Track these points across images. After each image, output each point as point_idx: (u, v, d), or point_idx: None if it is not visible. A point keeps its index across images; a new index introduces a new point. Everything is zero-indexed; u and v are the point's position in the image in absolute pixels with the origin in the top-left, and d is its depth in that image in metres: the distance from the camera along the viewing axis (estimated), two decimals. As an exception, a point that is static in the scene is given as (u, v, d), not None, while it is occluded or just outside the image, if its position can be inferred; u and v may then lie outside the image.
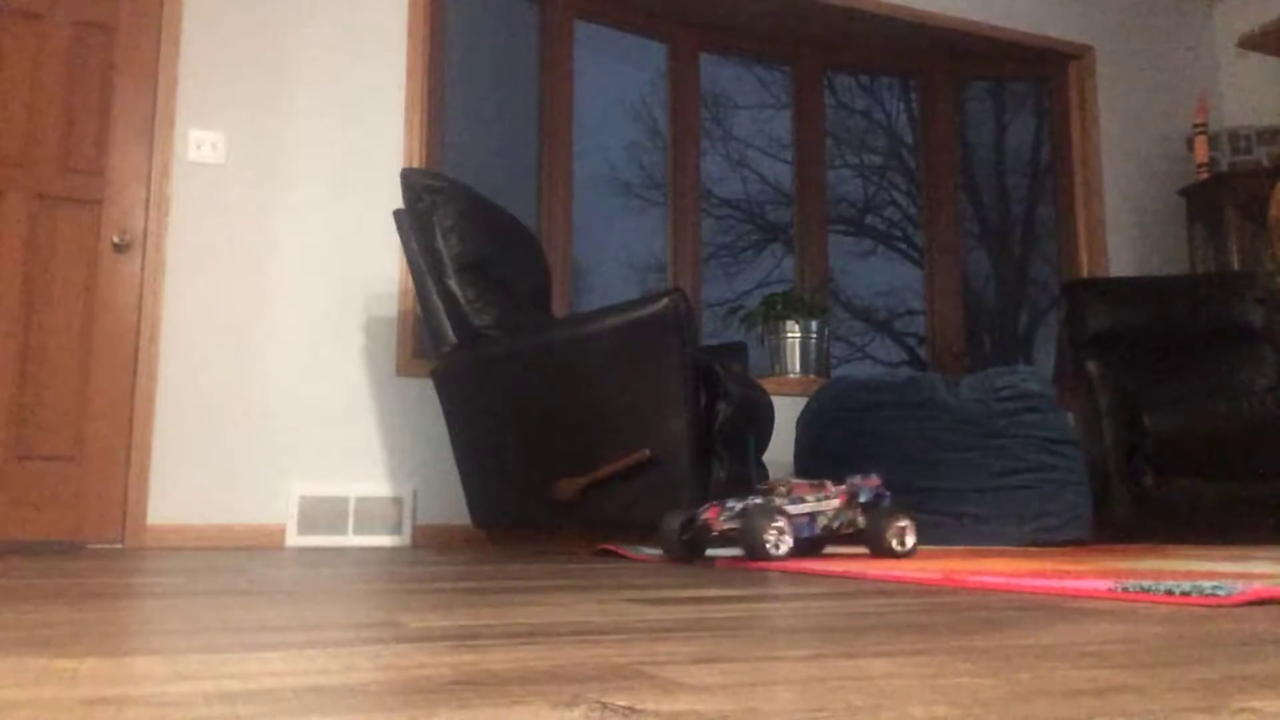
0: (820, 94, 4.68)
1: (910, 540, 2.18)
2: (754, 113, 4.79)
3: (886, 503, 2.27)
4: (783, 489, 2.18)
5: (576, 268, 4.17)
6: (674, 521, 2.22)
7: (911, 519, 2.19)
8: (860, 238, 5.00)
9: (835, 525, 2.19)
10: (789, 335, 4.11)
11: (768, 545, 2.02)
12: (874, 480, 2.28)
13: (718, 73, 4.62)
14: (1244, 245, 4.31)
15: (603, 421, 2.75)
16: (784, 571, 1.92)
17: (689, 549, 2.23)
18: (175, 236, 3.27)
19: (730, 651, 0.82)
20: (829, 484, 2.24)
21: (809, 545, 2.26)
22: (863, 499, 2.24)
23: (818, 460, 3.54)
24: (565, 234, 4.05)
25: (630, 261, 4.52)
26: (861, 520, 2.22)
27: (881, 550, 2.17)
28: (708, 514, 2.18)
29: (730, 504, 2.16)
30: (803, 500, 2.15)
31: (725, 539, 2.15)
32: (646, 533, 2.92)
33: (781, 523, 2.05)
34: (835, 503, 2.19)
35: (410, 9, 3.63)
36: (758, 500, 2.15)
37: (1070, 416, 3.43)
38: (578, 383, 2.80)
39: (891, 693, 0.63)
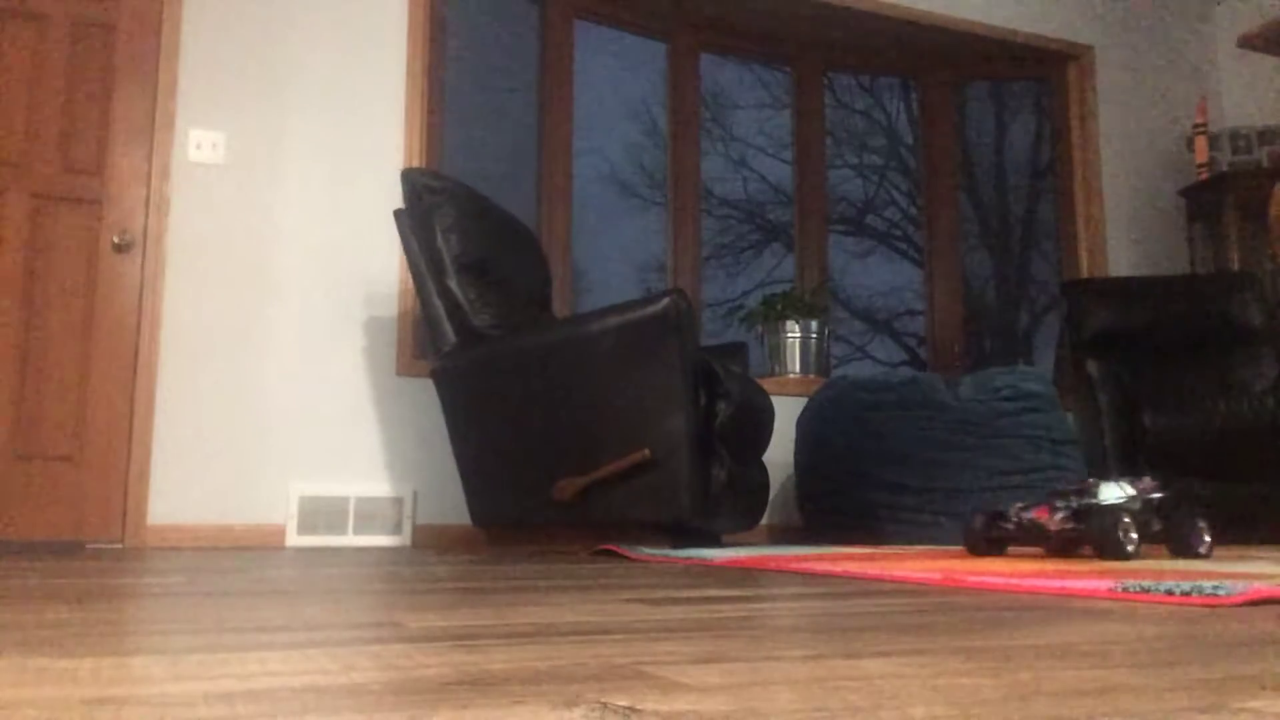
0: (820, 94, 4.68)
1: (1207, 540, 2.19)
2: (754, 113, 4.79)
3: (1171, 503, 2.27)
4: (1095, 488, 2.20)
5: (576, 268, 4.17)
6: (979, 520, 2.30)
7: (1207, 520, 2.21)
8: (860, 238, 5.00)
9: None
10: (789, 335, 4.11)
11: (1126, 546, 2.02)
12: (1150, 482, 2.28)
13: (718, 73, 4.62)
14: (1244, 245, 4.31)
15: (603, 421, 2.75)
16: (784, 571, 1.92)
17: (992, 545, 2.30)
18: (175, 236, 3.27)
19: (730, 651, 0.82)
20: (1128, 482, 2.24)
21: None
22: (1157, 499, 2.23)
23: (818, 461, 3.54)
24: (565, 234, 4.05)
25: (630, 261, 4.52)
26: (1156, 522, 2.20)
27: (1185, 551, 2.18)
28: (1036, 514, 2.19)
29: (1061, 504, 2.17)
30: (1127, 495, 2.18)
31: (1062, 540, 2.16)
32: (646, 533, 2.92)
33: (1128, 520, 2.03)
34: (1138, 503, 2.19)
35: (410, 9, 3.63)
36: (1093, 500, 2.16)
37: (1070, 416, 3.43)
38: (578, 383, 2.80)
39: (891, 693, 0.63)
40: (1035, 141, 5.08)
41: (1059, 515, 2.14)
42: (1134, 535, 2.02)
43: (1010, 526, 2.23)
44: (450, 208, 3.04)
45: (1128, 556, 2.01)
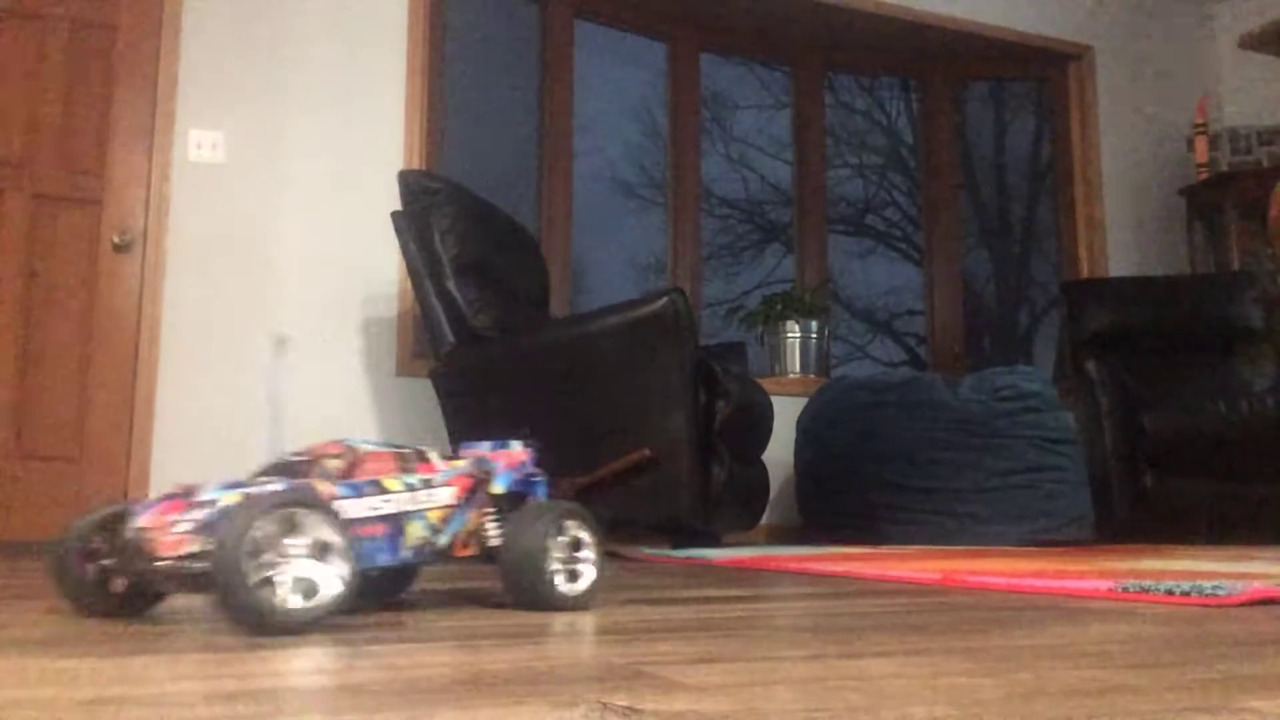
0: (820, 94, 4.67)
1: (585, 575, 1.20)
2: (754, 113, 4.79)
3: (541, 494, 1.29)
4: (334, 461, 1.11)
5: (576, 268, 4.17)
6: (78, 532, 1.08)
7: (589, 532, 1.22)
8: (860, 238, 5.00)
9: (447, 541, 1.16)
10: (789, 335, 4.11)
11: (272, 598, 0.93)
12: (518, 453, 1.29)
13: (718, 73, 4.62)
14: (1244, 245, 4.31)
15: (602, 421, 2.75)
16: (784, 571, 1.92)
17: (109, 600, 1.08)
18: (175, 236, 3.27)
19: (730, 651, 0.82)
20: (435, 457, 1.21)
21: (390, 581, 1.26)
22: (498, 488, 1.24)
23: (818, 461, 3.54)
24: (565, 234, 4.05)
25: (630, 261, 4.52)
26: (494, 531, 1.21)
27: (518, 597, 1.17)
28: (156, 518, 1.00)
29: (216, 494, 1.00)
30: (378, 489, 1.10)
31: (175, 577, 0.99)
32: (646, 533, 2.92)
33: (327, 531, 0.97)
34: (445, 496, 1.17)
35: (410, 9, 3.63)
36: (275, 484, 1.03)
37: (1070, 416, 3.43)
38: (577, 383, 2.80)
39: (891, 693, 0.63)
40: (1035, 141, 5.08)
41: (182, 524, 0.98)
42: (334, 573, 0.97)
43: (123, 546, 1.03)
44: (448, 209, 3.04)
45: (272, 623, 0.93)
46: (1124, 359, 3.79)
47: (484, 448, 1.28)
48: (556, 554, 1.17)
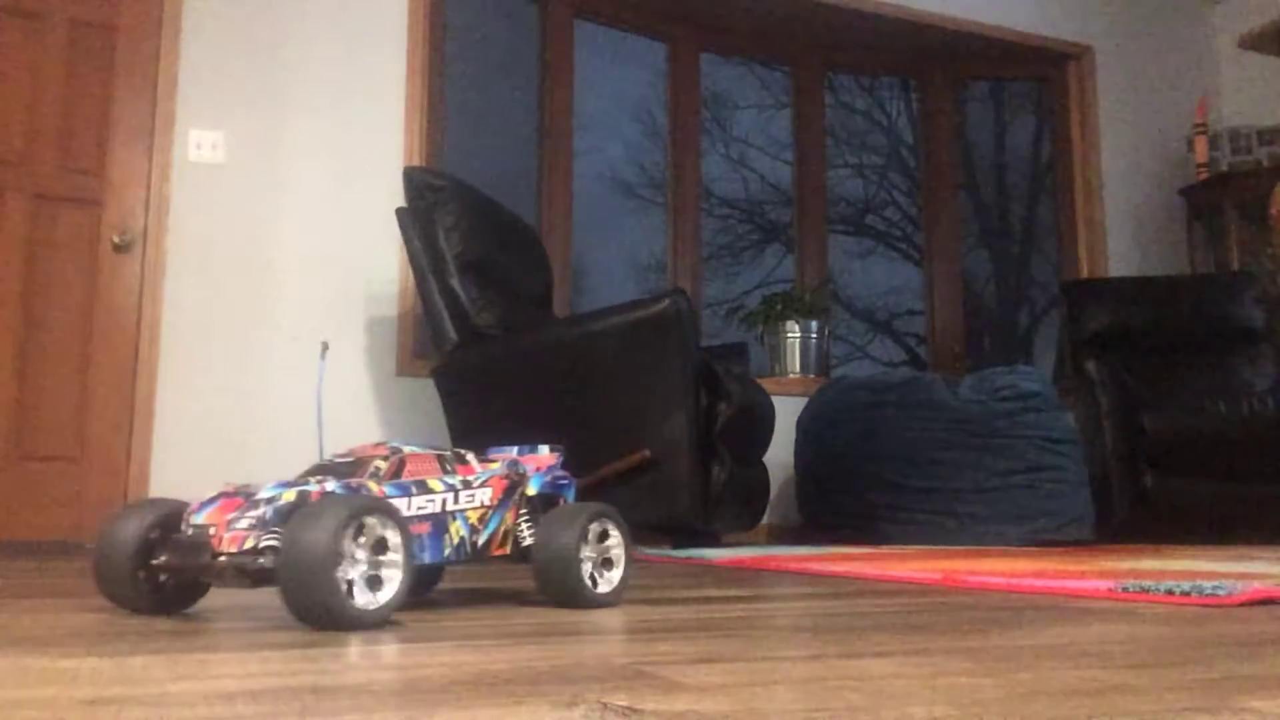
0: (820, 94, 4.67)
1: (615, 575, 1.25)
2: (754, 113, 4.79)
3: (570, 496, 1.33)
4: (379, 463, 1.15)
5: (576, 268, 4.17)
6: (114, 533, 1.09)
7: (619, 533, 1.27)
8: (860, 238, 5.00)
9: (484, 540, 1.21)
10: (789, 335, 4.11)
11: (342, 596, 0.95)
12: (547, 457, 1.34)
13: (718, 73, 4.62)
14: (1244, 245, 4.31)
15: (603, 422, 2.75)
16: (784, 571, 1.92)
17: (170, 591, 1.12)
18: (175, 236, 3.27)
19: (730, 651, 0.82)
20: (473, 460, 1.26)
21: (421, 580, 1.29)
22: (531, 490, 1.29)
23: (818, 461, 3.54)
24: (565, 234, 4.05)
25: (630, 261, 4.52)
26: (528, 531, 1.25)
27: (551, 594, 1.21)
28: (216, 515, 1.05)
29: (268, 492, 1.05)
30: (424, 489, 1.15)
31: (235, 572, 1.01)
32: (646, 533, 2.92)
33: (390, 531, 1.01)
34: (484, 497, 1.22)
35: (410, 9, 3.63)
36: (330, 483, 1.08)
37: (1070, 416, 3.43)
38: (579, 382, 2.80)
39: (891, 693, 0.63)
40: (1035, 141, 5.08)
41: (246, 521, 1.02)
42: (394, 572, 1.01)
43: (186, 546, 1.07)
44: (453, 206, 3.04)
45: (340, 620, 0.96)
46: (1124, 359, 3.79)
47: (513, 451, 1.34)
48: (587, 553, 1.21)
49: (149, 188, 3.26)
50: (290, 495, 1.03)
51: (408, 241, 3.08)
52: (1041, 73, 4.82)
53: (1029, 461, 3.18)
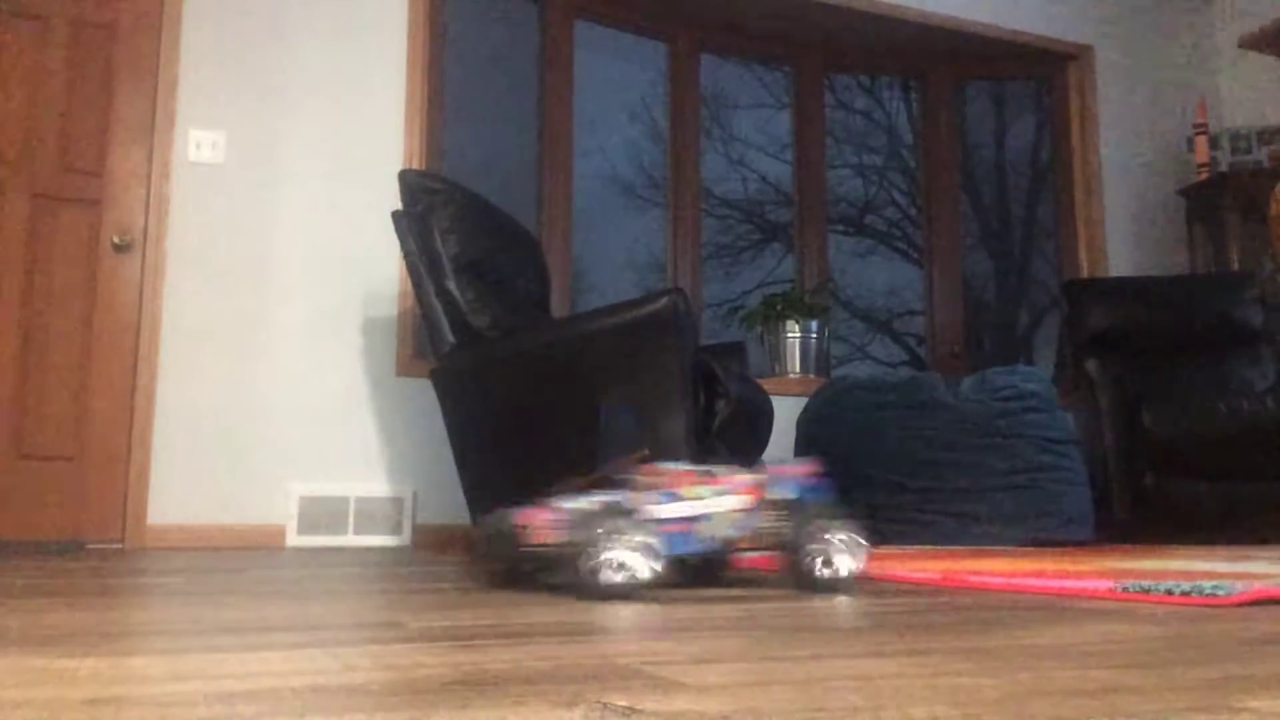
0: (820, 94, 4.67)
1: (845, 563, 1.49)
2: (754, 113, 4.79)
3: (819, 500, 1.57)
4: (650, 478, 1.50)
5: (576, 268, 4.17)
6: (490, 528, 1.59)
7: (854, 530, 1.51)
8: (860, 238, 5.00)
9: (736, 535, 1.50)
10: (789, 335, 4.11)
11: (604, 571, 1.33)
12: (802, 467, 1.59)
13: (718, 73, 4.62)
14: (1244, 245, 4.31)
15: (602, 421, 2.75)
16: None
17: (505, 568, 1.60)
18: (175, 236, 3.27)
19: (730, 651, 0.82)
20: (726, 471, 1.55)
21: (691, 566, 1.58)
22: (783, 496, 1.54)
23: (818, 461, 3.53)
24: (565, 234, 4.05)
25: (630, 261, 4.52)
26: (778, 528, 1.52)
27: (799, 576, 1.49)
28: (529, 517, 1.49)
29: (568, 503, 1.47)
30: (679, 497, 1.47)
31: (544, 558, 1.47)
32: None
33: (638, 534, 1.37)
34: (736, 502, 1.50)
35: (410, 9, 3.63)
36: (607, 496, 1.48)
37: (1070, 416, 3.43)
38: (577, 383, 2.80)
39: (891, 693, 0.63)
40: (1035, 141, 5.08)
41: (550, 521, 1.46)
42: (645, 558, 1.36)
43: (506, 537, 1.54)
44: (448, 208, 3.04)
45: (604, 592, 1.34)
46: (1124, 359, 3.79)
47: (776, 464, 1.63)
48: (823, 547, 1.49)
49: (149, 188, 3.26)
50: (581, 505, 1.43)
51: (404, 244, 3.08)
52: (1041, 73, 4.82)
53: (1029, 461, 3.18)
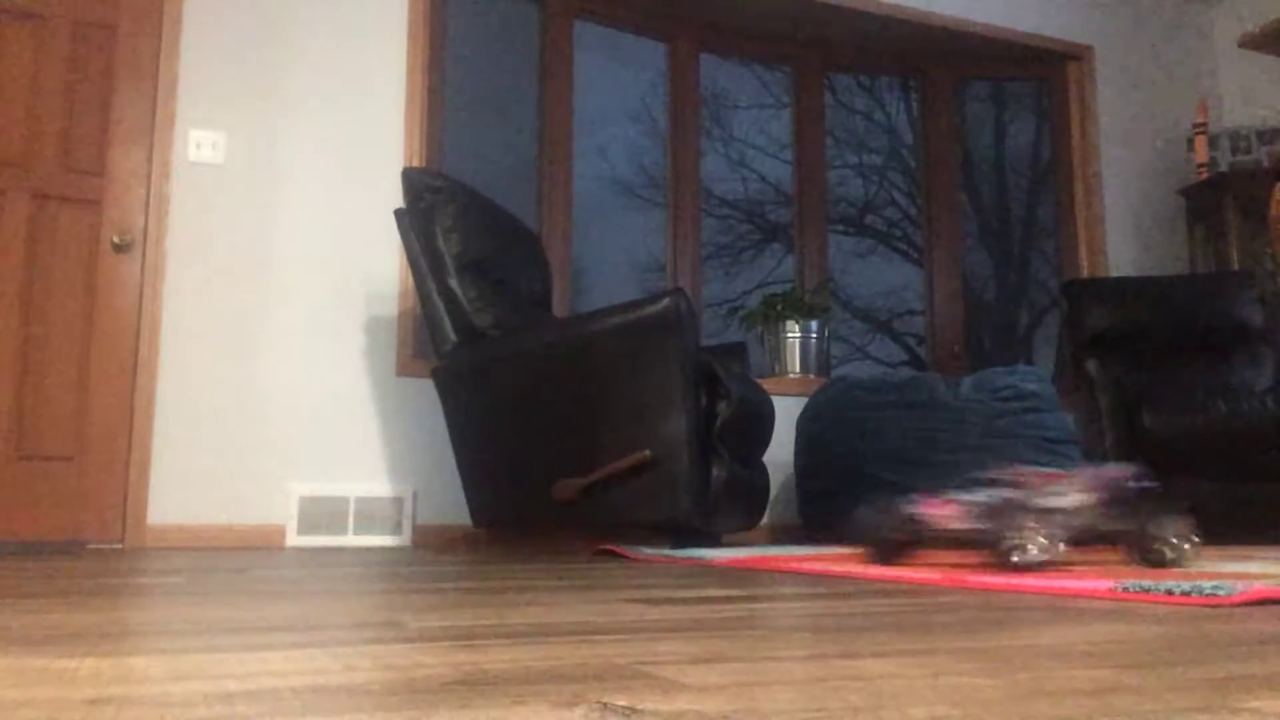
0: (820, 94, 4.68)
1: (1184, 550, 1.82)
2: (754, 113, 4.79)
3: (1154, 495, 1.90)
4: (1028, 477, 1.87)
5: (576, 268, 4.17)
6: (877, 516, 1.99)
7: (1184, 520, 1.84)
8: (860, 238, 5.00)
9: (1097, 524, 1.84)
10: (789, 335, 4.11)
11: (1016, 552, 1.71)
12: (1124, 470, 1.89)
13: (718, 73, 4.62)
14: (1244, 245, 4.31)
15: (603, 421, 2.75)
16: (784, 571, 1.92)
17: (896, 549, 1.98)
18: (175, 236, 3.27)
19: (730, 651, 0.82)
20: (1082, 472, 1.88)
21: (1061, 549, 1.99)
22: (1120, 491, 1.87)
23: (818, 461, 3.54)
24: (565, 234, 4.05)
25: (630, 261, 4.52)
26: (1119, 520, 1.84)
27: (1144, 557, 1.81)
28: (932, 508, 1.90)
29: (968, 497, 1.87)
30: (1058, 493, 1.83)
31: (953, 540, 1.86)
32: (646, 533, 2.92)
33: (1036, 523, 1.75)
34: (1093, 498, 1.84)
35: (410, 9, 3.63)
36: (1007, 493, 1.84)
37: (1070, 416, 3.43)
38: (578, 383, 2.80)
39: (891, 693, 0.63)
40: (1035, 141, 5.08)
41: (957, 512, 1.87)
42: (1046, 541, 1.71)
43: (913, 524, 1.94)
44: (451, 207, 3.04)
45: (1017, 565, 1.70)
46: (1124, 359, 3.79)
47: (1106, 468, 1.94)
48: (1162, 533, 1.81)
49: (149, 188, 3.26)
50: (982, 497, 1.82)
51: (406, 243, 3.08)
52: (1041, 73, 4.82)
53: (1029, 461, 3.18)
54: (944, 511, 1.86)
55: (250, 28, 3.43)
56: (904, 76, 4.89)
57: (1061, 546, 1.71)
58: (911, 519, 1.89)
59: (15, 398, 3.08)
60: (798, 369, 4.10)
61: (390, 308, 3.49)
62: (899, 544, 1.96)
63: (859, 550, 2.15)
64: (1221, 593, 1.24)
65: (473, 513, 3.09)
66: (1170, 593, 1.28)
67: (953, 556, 2.04)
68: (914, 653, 0.81)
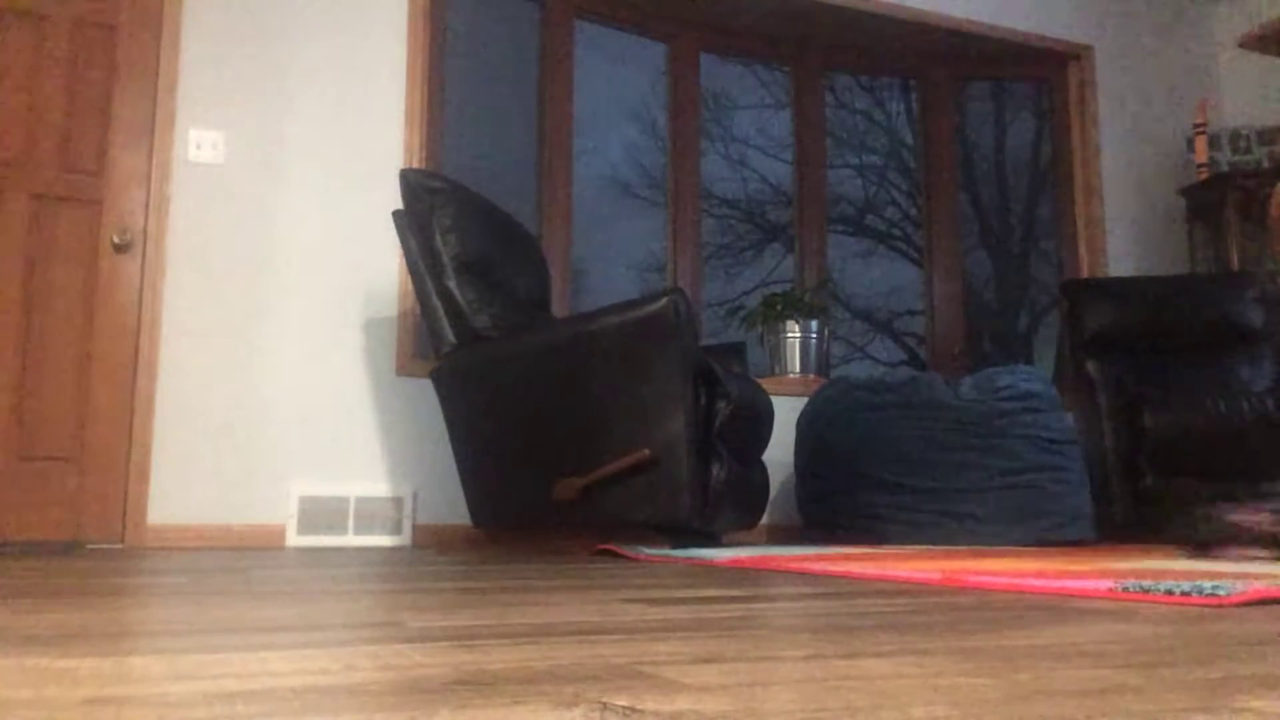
0: (820, 94, 4.68)
1: None
2: (754, 113, 4.79)
3: None
4: None
5: (576, 268, 4.17)
6: (1206, 519, 2.30)
7: None
8: (860, 238, 5.00)
9: None
10: (789, 335, 4.11)
11: None
12: None
13: (718, 73, 4.62)
14: (1244, 245, 4.31)
15: (602, 421, 2.75)
16: (784, 571, 1.92)
17: (1214, 546, 2.26)
18: (175, 236, 3.27)
19: (730, 651, 0.82)
20: None
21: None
22: None
23: (818, 461, 3.54)
24: (565, 234, 4.06)
25: (630, 261, 4.52)
26: None
27: None
28: (1247, 514, 2.19)
29: (1270, 506, 2.17)
30: None
31: (1271, 540, 2.14)
32: (646, 533, 2.92)
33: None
34: None
35: (410, 9, 3.63)
36: None
37: (1070, 416, 3.43)
38: (577, 383, 2.80)
39: (891, 693, 0.63)
40: (1035, 141, 5.08)
41: (1262, 519, 2.17)
42: None
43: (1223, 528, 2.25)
44: (449, 208, 3.04)
45: None
46: (1124, 359, 3.79)
47: None
48: None
49: (149, 188, 3.26)
50: None
51: (405, 244, 3.08)
52: (1041, 73, 4.82)
53: (1029, 461, 3.18)
54: (1257, 518, 2.14)
55: (250, 28, 3.43)
56: (904, 76, 4.89)
57: None
58: (1231, 522, 2.17)
59: (15, 398, 3.08)
60: (797, 369, 4.10)
61: (390, 307, 3.49)
62: (1218, 542, 2.23)
63: (1176, 547, 2.43)
64: (1221, 593, 1.24)
65: (472, 513, 3.09)
66: (1170, 593, 1.28)
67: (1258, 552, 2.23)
68: (914, 653, 0.81)
